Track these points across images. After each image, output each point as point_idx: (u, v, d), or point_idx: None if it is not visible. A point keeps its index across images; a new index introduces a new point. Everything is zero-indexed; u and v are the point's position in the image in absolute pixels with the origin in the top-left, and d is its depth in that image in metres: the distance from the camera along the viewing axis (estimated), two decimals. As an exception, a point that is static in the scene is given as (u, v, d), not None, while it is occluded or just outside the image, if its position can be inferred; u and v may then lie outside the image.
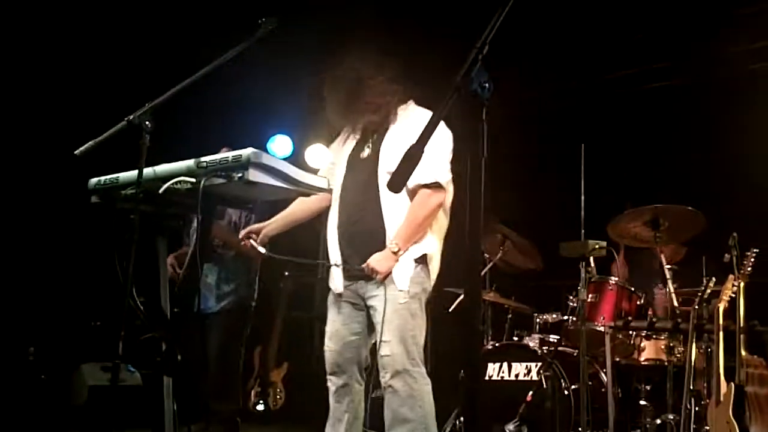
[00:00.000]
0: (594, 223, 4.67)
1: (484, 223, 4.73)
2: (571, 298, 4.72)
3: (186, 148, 3.01)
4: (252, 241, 3.62)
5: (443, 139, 3.42)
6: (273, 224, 3.72)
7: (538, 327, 4.95)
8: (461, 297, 5.17)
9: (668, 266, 4.43)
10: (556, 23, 5.61)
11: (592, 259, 4.72)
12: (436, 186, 3.39)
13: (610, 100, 6.15)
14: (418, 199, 3.39)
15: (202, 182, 2.63)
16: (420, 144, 1.48)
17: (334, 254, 3.57)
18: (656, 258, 4.74)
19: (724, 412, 3.72)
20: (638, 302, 4.64)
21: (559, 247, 4.32)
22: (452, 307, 5.16)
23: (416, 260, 3.42)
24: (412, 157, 1.49)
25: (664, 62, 5.77)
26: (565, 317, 4.75)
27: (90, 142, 2.73)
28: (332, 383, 3.55)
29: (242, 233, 3.71)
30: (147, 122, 2.74)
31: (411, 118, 3.51)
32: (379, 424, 4.05)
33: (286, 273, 6.88)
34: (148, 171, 2.79)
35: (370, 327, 3.51)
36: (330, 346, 3.55)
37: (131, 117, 2.74)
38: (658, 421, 4.32)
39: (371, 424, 4.57)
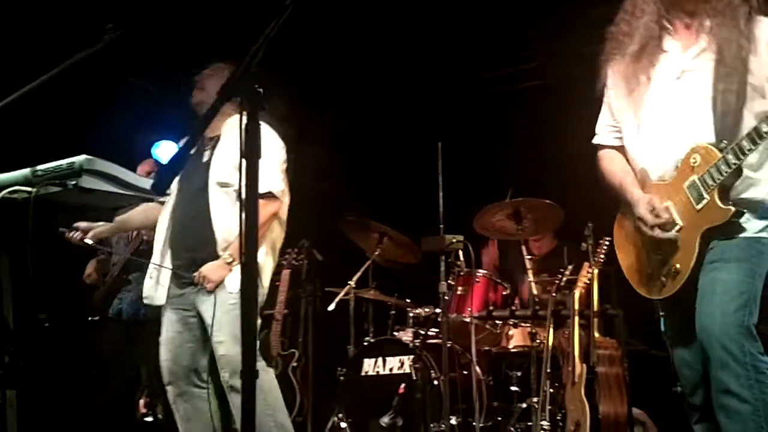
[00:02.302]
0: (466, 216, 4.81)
1: (362, 223, 4.81)
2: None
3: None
4: (76, 234, 3.72)
5: (273, 147, 3.51)
6: (105, 227, 3.81)
7: (412, 321, 5.07)
8: (340, 296, 5.26)
9: (528, 257, 4.63)
10: (418, 24, 5.79)
11: (461, 252, 4.91)
12: (269, 196, 3.49)
13: (473, 99, 6.40)
14: None
15: (34, 191, 2.64)
16: (191, 145, 1.55)
17: (158, 260, 3.64)
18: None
19: (578, 392, 3.92)
20: (504, 293, 4.83)
21: (421, 242, 4.47)
22: (332, 306, 5.24)
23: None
24: (182, 158, 1.56)
25: (524, 63, 6.04)
26: (437, 310, 4.90)
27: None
28: (170, 393, 3.60)
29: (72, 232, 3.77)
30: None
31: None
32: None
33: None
34: (-13, 181, 2.78)
35: (205, 332, 3.56)
36: (163, 355, 3.61)
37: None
38: (524, 405, 4.49)
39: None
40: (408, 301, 5.44)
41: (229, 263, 3.45)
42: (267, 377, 3.51)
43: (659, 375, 5.29)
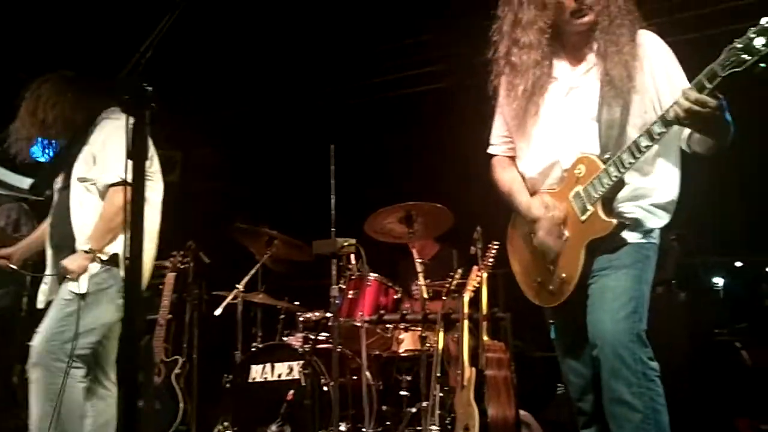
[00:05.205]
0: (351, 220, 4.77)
1: (250, 227, 4.68)
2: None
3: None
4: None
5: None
6: (22, 249, 3.90)
7: (301, 326, 5.00)
8: (228, 300, 5.12)
9: (419, 260, 4.64)
10: (313, 25, 5.74)
11: (353, 256, 4.87)
12: (124, 183, 3.43)
13: (364, 104, 6.42)
14: (108, 198, 3.49)
15: None
16: (70, 145, 1.44)
17: (47, 263, 3.66)
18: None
19: (467, 396, 3.95)
20: (395, 296, 4.82)
21: (312, 245, 4.40)
22: (218, 311, 5.09)
23: (103, 261, 3.49)
24: (61, 158, 1.45)
25: (418, 68, 6.09)
26: (328, 314, 4.84)
27: None
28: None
29: None
30: None
31: (107, 126, 3.56)
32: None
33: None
34: None
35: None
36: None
37: None
38: (414, 410, 4.49)
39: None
40: (297, 304, 5.37)
41: (87, 252, 3.44)
42: (68, 381, 3.40)
43: (542, 375, 5.45)
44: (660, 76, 2.64)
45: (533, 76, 2.73)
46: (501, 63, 2.82)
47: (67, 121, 3.49)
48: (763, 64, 2.18)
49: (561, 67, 2.78)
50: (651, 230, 2.69)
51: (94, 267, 3.47)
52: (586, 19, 2.66)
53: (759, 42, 2.17)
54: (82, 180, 3.51)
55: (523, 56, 2.74)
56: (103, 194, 3.51)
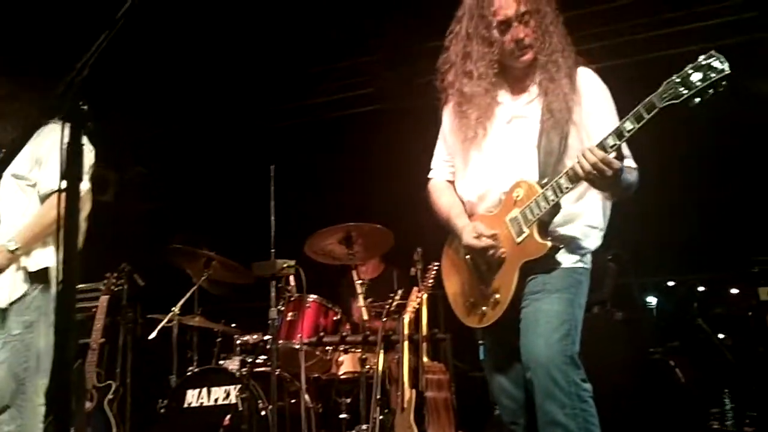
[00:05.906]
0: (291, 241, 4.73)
1: (187, 248, 4.60)
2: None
3: None
4: None
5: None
6: None
7: (239, 349, 4.91)
8: (163, 323, 5.00)
9: (359, 281, 4.62)
10: (253, 46, 5.72)
11: (291, 277, 4.83)
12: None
13: (303, 125, 6.41)
14: (50, 201, 3.28)
15: None
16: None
17: None
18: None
19: (407, 418, 3.94)
20: (335, 318, 4.79)
21: (251, 266, 4.34)
22: (153, 334, 4.97)
23: (32, 276, 3.25)
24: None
25: (358, 89, 6.12)
26: (266, 337, 4.77)
27: None
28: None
29: None
30: None
31: (56, 129, 3.31)
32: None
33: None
34: None
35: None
36: None
37: None
38: (352, 433, 4.46)
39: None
40: (234, 327, 5.27)
41: (12, 251, 3.19)
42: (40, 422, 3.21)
43: (481, 395, 5.48)
44: (593, 112, 2.72)
45: (484, 103, 2.79)
46: (451, 91, 2.87)
47: (13, 123, 3.26)
48: (698, 99, 2.28)
49: (505, 96, 2.84)
50: (585, 253, 2.74)
51: (23, 286, 3.22)
52: (525, 57, 2.75)
53: (696, 77, 2.28)
54: (18, 177, 3.31)
55: (474, 87, 2.79)
56: (42, 198, 3.31)
